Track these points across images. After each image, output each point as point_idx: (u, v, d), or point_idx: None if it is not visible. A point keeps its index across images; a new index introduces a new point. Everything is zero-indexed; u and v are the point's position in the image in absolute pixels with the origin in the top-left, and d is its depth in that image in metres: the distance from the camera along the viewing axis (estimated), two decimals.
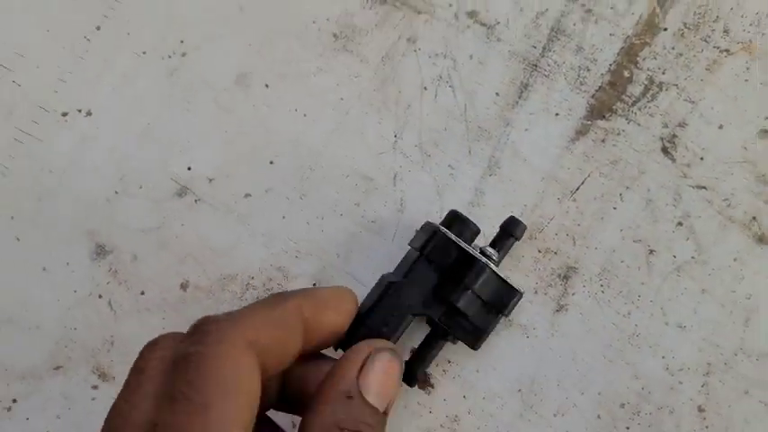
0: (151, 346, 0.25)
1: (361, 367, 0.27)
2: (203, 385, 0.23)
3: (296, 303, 0.27)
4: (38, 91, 0.39)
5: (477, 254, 0.31)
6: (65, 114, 0.39)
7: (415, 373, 0.33)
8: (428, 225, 0.33)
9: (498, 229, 0.33)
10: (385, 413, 0.27)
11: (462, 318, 0.32)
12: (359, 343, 0.29)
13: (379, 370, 0.28)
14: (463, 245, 0.31)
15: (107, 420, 0.24)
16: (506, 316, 0.32)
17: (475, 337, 0.32)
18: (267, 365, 0.26)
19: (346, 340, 0.30)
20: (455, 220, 0.33)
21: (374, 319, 0.31)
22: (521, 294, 0.32)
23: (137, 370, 0.25)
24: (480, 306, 0.32)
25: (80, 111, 0.39)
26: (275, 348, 0.26)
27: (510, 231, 0.33)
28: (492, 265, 0.32)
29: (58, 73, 0.39)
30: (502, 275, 0.32)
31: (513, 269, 0.37)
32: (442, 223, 0.33)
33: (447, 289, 0.31)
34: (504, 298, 0.32)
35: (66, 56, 0.39)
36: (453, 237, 0.32)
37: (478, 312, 0.32)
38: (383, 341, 0.30)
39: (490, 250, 0.33)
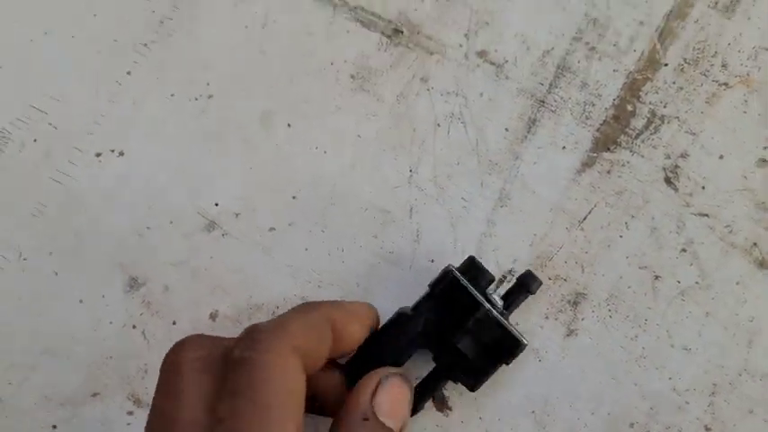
0: (180, 347, 0.28)
1: (374, 391, 0.30)
2: (263, 387, 0.25)
3: (326, 311, 0.31)
4: (73, 133, 0.41)
5: (482, 299, 0.33)
6: (99, 155, 0.41)
7: (415, 405, 0.34)
8: (446, 268, 0.35)
9: (515, 280, 0.35)
10: None
11: (462, 359, 0.33)
12: (371, 372, 0.31)
13: (390, 392, 0.30)
14: (471, 289, 0.33)
15: (149, 422, 0.26)
16: (507, 364, 0.34)
17: (473, 380, 0.34)
18: (306, 368, 0.28)
19: (354, 358, 0.33)
20: (471, 266, 0.35)
21: (381, 344, 0.33)
22: (524, 345, 0.33)
23: (172, 370, 0.27)
24: (481, 350, 0.33)
25: (113, 151, 0.41)
26: (312, 353, 0.29)
27: (526, 286, 0.35)
28: (495, 312, 0.33)
29: (92, 116, 0.41)
30: (507, 323, 0.33)
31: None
32: (459, 267, 0.35)
33: (450, 329, 0.33)
34: (506, 345, 0.33)
35: (100, 99, 0.41)
36: (463, 280, 0.33)
37: (478, 356, 0.33)
38: (393, 368, 0.33)
39: (496, 298, 0.35)
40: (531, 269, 0.35)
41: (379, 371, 0.31)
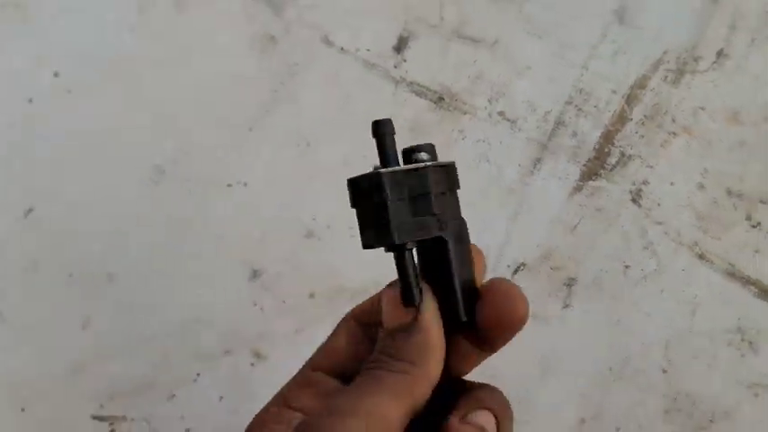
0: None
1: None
2: None
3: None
4: (211, 169, 0.59)
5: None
6: (230, 185, 0.59)
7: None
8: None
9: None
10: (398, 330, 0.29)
11: None
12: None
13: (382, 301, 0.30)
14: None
15: None
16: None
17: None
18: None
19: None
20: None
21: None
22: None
23: None
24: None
25: (240, 183, 0.59)
26: None
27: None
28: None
29: (223, 155, 0.59)
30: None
31: (531, 282, 0.55)
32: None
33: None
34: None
35: (230, 143, 0.59)
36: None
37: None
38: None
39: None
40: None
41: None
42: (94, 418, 0.55)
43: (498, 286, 0.30)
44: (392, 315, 0.29)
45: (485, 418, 0.28)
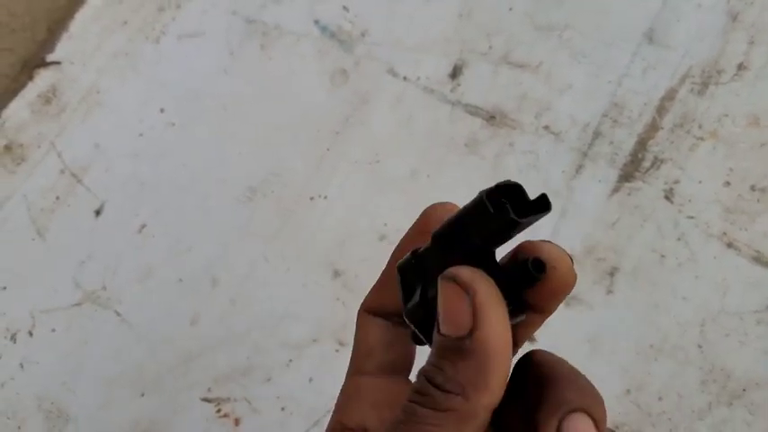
0: None
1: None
2: None
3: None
4: (295, 186, 0.68)
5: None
6: (312, 198, 0.68)
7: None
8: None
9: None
10: (463, 338, 0.22)
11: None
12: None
13: (443, 293, 0.23)
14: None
15: None
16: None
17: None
18: None
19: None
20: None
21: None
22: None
23: None
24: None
25: (320, 196, 0.68)
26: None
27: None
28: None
29: (307, 174, 0.68)
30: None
31: (578, 272, 0.63)
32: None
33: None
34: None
35: (311, 163, 0.69)
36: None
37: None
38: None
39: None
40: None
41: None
42: (203, 400, 0.64)
43: (549, 255, 0.26)
44: (453, 323, 0.22)
45: (582, 426, 0.23)
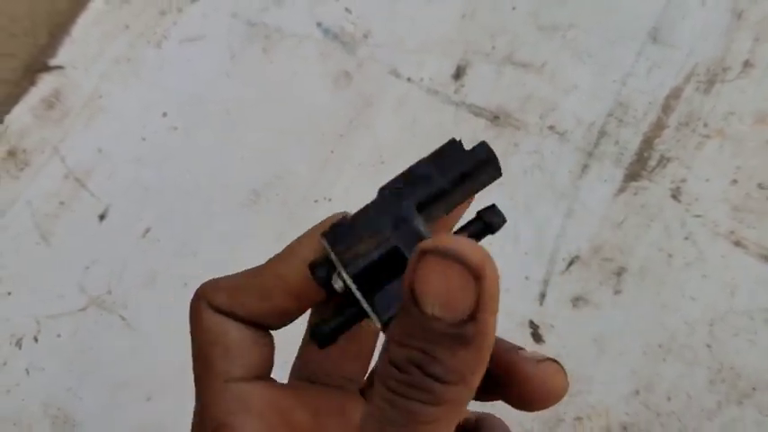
0: None
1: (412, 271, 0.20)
2: None
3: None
4: (299, 189, 0.68)
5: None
6: (316, 201, 0.68)
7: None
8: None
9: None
10: (462, 323, 0.19)
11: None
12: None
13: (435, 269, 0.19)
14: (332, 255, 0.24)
15: None
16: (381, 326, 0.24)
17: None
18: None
19: None
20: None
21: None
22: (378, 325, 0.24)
23: None
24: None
25: (325, 199, 0.68)
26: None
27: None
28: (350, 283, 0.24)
29: (311, 177, 0.68)
30: (362, 300, 0.24)
31: (584, 272, 0.62)
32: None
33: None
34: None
35: (315, 165, 0.68)
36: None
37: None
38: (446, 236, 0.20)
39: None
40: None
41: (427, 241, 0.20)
42: None
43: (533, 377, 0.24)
44: (451, 307, 0.19)
45: None
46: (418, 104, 0.68)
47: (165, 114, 0.71)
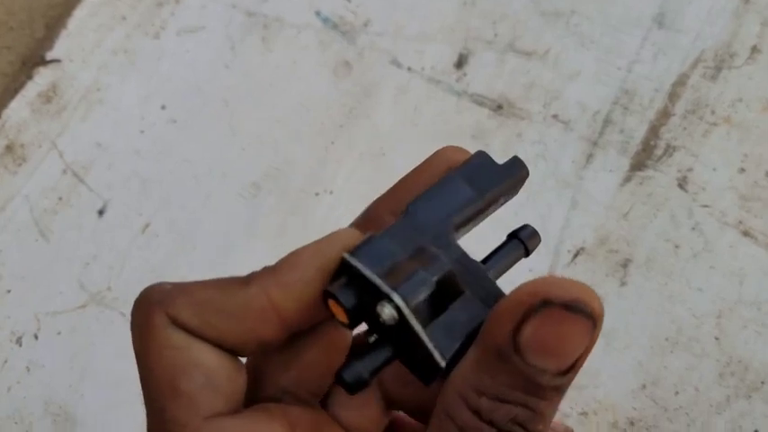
0: None
1: (522, 320, 0.18)
2: None
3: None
4: (300, 181, 0.66)
5: (387, 289, 0.21)
6: (317, 194, 0.66)
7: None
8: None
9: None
10: (564, 373, 0.18)
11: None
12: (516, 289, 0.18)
13: (555, 321, 0.18)
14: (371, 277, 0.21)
15: None
16: (426, 383, 0.21)
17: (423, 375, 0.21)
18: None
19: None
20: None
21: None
22: (441, 369, 0.20)
23: None
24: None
25: (326, 191, 0.66)
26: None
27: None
28: (412, 319, 0.20)
29: (311, 169, 0.67)
30: (423, 336, 0.20)
31: (590, 264, 0.61)
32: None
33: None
34: (421, 360, 0.20)
35: (316, 157, 0.67)
36: (361, 266, 0.21)
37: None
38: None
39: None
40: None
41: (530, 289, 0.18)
42: None
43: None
44: (562, 357, 0.18)
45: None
46: (419, 94, 0.67)
47: (163, 107, 0.70)
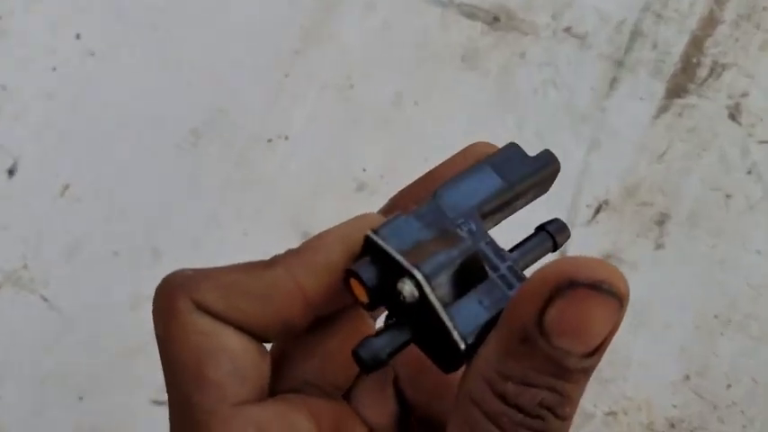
0: None
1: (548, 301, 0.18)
2: None
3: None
4: (248, 125, 0.54)
5: (408, 265, 0.20)
6: (270, 140, 0.53)
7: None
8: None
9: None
10: (590, 355, 0.18)
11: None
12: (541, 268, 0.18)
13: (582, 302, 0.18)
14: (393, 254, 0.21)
15: None
16: (446, 371, 0.21)
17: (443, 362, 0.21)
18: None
19: None
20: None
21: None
22: (461, 352, 0.20)
23: None
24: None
25: (280, 137, 0.53)
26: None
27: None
28: (432, 296, 0.20)
29: (262, 109, 0.53)
30: (445, 315, 0.20)
31: (616, 222, 0.48)
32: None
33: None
34: (441, 342, 0.20)
35: (267, 94, 0.54)
36: (383, 243, 0.21)
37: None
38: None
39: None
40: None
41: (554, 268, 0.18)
42: (154, 402, 0.52)
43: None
44: (588, 339, 0.18)
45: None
46: (393, 6, 0.54)
47: (78, 36, 0.57)
